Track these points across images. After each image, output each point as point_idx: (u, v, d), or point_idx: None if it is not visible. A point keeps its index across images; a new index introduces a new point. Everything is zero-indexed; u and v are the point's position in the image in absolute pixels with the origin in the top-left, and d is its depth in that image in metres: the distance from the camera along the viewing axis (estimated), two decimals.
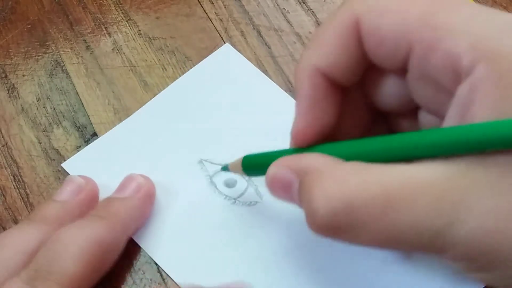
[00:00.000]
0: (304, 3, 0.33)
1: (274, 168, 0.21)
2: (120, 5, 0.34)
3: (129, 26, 0.33)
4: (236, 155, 0.29)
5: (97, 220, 0.25)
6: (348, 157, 0.19)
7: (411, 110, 0.22)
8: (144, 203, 0.27)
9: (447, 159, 0.17)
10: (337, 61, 0.20)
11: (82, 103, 0.31)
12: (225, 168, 0.27)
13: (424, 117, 0.21)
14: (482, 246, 0.16)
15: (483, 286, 0.24)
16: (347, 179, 0.18)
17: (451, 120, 0.18)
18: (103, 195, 0.27)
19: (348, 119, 0.22)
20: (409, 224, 0.17)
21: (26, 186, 0.29)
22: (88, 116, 0.31)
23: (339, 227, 0.18)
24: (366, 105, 0.22)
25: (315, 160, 0.20)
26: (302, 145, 0.21)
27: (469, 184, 0.16)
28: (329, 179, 0.18)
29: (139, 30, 0.33)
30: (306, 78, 0.20)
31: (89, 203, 0.27)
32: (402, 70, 0.20)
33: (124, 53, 0.32)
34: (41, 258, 0.23)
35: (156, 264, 0.26)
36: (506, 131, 0.15)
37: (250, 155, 0.24)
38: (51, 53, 0.33)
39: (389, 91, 0.21)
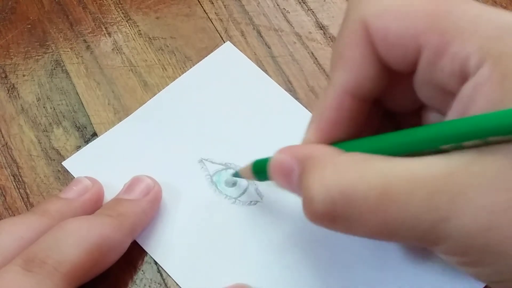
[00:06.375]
0: (304, 3, 0.33)
1: (277, 155, 0.21)
2: (120, 5, 0.34)
3: (129, 26, 0.33)
4: (237, 154, 0.29)
5: (104, 217, 0.24)
6: (350, 150, 0.19)
7: (420, 108, 0.22)
8: (152, 206, 0.27)
9: (448, 155, 0.17)
10: (360, 74, 0.20)
11: (82, 103, 0.31)
12: (236, 174, 0.27)
13: (431, 115, 0.21)
14: (475, 241, 0.16)
15: (483, 286, 0.24)
16: (346, 169, 0.18)
17: (451, 116, 0.18)
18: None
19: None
20: (405, 217, 0.17)
21: (26, 186, 0.29)
22: (88, 116, 0.31)
23: (335, 216, 0.18)
24: (375, 106, 0.22)
25: (317, 149, 0.20)
26: None
27: (466, 180, 0.16)
28: (329, 168, 0.18)
29: (139, 30, 0.33)
30: (334, 100, 0.20)
31: (94, 204, 0.27)
32: (412, 71, 0.20)
33: (124, 53, 0.32)
34: (41, 244, 0.22)
35: (156, 264, 0.26)
36: (501, 120, 0.15)
37: (259, 159, 0.24)
38: (51, 53, 0.33)
39: (399, 92, 0.21)
